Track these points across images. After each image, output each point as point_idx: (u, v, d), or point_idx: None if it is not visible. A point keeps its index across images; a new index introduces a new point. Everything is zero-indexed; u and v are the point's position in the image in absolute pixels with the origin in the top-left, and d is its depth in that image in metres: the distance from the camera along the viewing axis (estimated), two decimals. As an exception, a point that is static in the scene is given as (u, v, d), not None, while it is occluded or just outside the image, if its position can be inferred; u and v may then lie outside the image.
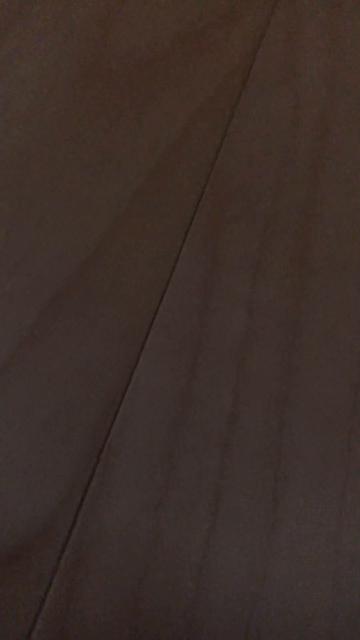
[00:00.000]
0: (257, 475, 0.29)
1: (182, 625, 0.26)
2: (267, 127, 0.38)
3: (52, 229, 0.33)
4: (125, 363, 0.30)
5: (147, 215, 0.33)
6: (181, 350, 0.31)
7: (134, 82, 0.38)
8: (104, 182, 0.34)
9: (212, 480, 0.29)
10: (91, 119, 0.36)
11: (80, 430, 0.29)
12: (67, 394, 0.30)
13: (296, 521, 0.28)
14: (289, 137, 0.37)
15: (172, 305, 0.32)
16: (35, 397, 0.29)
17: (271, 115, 0.38)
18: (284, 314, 0.32)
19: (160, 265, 0.32)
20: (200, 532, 0.28)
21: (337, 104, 0.38)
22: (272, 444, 0.29)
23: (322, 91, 0.38)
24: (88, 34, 0.41)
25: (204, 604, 0.26)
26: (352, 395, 0.31)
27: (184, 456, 0.29)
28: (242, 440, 0.29)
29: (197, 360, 0.31)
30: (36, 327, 0.30)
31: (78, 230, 0.33)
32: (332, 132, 0.37)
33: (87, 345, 0.30)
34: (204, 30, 0.40)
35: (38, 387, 0.29)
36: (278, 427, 0.30)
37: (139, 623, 0.26)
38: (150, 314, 0.31)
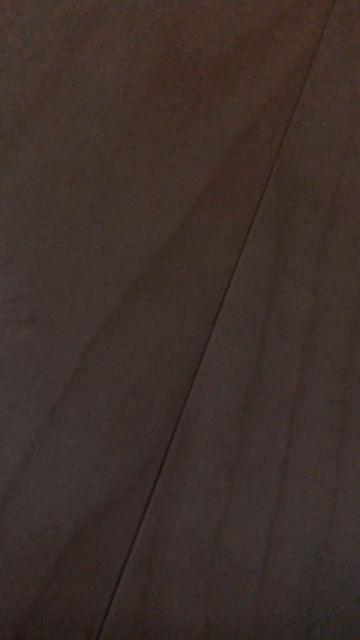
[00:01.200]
0: (323, 442, 0.31)
1: (255, 580, 0.28)
2: (328, 120, 0.40)
3: (132, 219, 0.36)
4: (199, 339, 0.33)
5: (219, 203, 0.36)
6: (250, 328, 0.34)
7: (202, 82, 0.41)
8: (179, 174, 0.37)
9: (281, 447, 0.31)
10: (165, 117, 0.39)
11: (160, 399, 0.32)
12: (148, 367, 0.33)
13: (358, 485, 0.30)
14: (349, 129, 0.39)
15: (241, 286, 0.34)
16: (121, 370, 0.32)
17: (332, 109, 0.40)
18: (348, 293, 0.34)
19: (231, 249, 0.35)
20: (271, 494, 0.30)
21: None
22: (336, 414, 0.31)
23: (382, 83, 0.40)
24: (159, 38, 0.44)
25: (275, 560, 0.29)
26: None
27: (254, 424, 0.32)
28: (308, 410, 0.32)
29: (266, 338, 0.33)
30: (120, 308, 0.33)
31: (156, 220, 0.36)
32: (392, 122, 0.39)
33: (166, 324, 0.33)
34: (267, 29, 0.43)
35: (123, 360, 0.32)
36: (342, 397, 0.32)
37: (216, 576, 0.28)
38: (221, 295, 0.34)
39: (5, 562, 0.28)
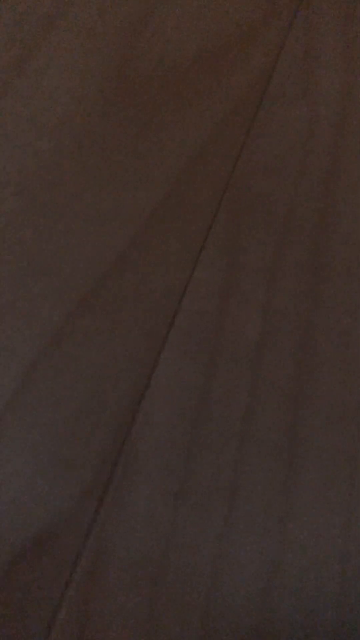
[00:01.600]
0: (271, 470, 0.31)
1: (200, 610, 0.27)
2: (284, 140, 0.39)
3: (80, 235, 0.34)
4: (147, 362, 0.32)
5: (170, 221, 0.35)
6: (199, 351, 0.33)
7: (158, 96, 0.40)
8: (130, 190, 0.36)
9: (228, 474, 0.30)
10: (118, 131, 0.38)
11: (103, 424, 0.31)
12: (91, 390, 0.31)
13: (308, 513, 0.30)
14: (305, 150, 0.39)
15: (190, 309, 0.34)
16: (62, 393, 0.31)
17: (288, 129, 0.40)
18: (298, 318, 0.33)
19: (181, 269, 0.34)
20: (217, 522, 0.29)
21: (352, 119, 0.40)
22: (286, 440, 0.31)
23: (338, 106, 0.40)
24: (115, 49, 0.43)
25: (221, 589, 0.28)
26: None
27: (202, 451, 0.31)
28: (257, 436, 0.31)
29: (215, 361, 0.33)
30: (63, 327, 0.32)
31: (104, 236, 0.34)
32: (347, 146, 0.39)
33: (111, 345, 0.32)
34: (226, 45, 0.42)
35: (64, 384, 0.31)
36: (292, 424, 0.31)
37: (158, 606, 0.27)
38: (169, 316, 0.33)
39: None
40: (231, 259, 0.35)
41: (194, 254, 0.35)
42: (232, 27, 0.43)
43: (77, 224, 0.35)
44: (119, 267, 0.34)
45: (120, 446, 0.30)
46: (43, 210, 0.35)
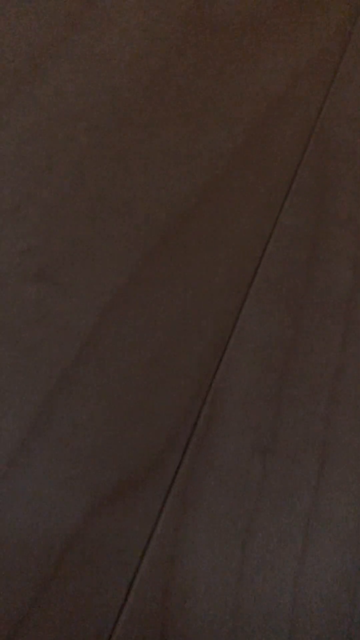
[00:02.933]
0: (364, 429, 0.28)
1: (291, 573, 0.25)
2: (370, 90, 0.37)
3: (156, 176, 0.32)
4: (230, 310, 0.30)
5: (251, 167, 0.33)
6: (286, 302, 0.30)
7: (237, 39, 0.38)
8: (208, 133, 0.33)
9: (319, 430, 0.28)
10: (195, 71, 0.36)
11: (185, 371, 0.29)
12: (172, 335, 0.29)
13: None
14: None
15: (276, 256, 0.31)
16: (142, 336, 0.29)
17: (373, 80, 0.38)
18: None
19: (264, 217, 0.32)
20: (308, 482, 0.27)
21: None
22: (385, 396, 0.29)
23: None
24: (182, 1, 0.41)
25: (312, 552, 0.26)
26: None
27: (290, 405, 0.29)
28: (348, 392, 0.29)
29: (303, 313, 0.30)
30: (142, 269, 0.29)
31: (183, 176, 0.32)
32: None
33: (192, 290, 0.30)
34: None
35: (144, 326, 0.29)
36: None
37: (245, 567, 0.25)
38: (255, 263, 0.31)
39: (3, 546, 0.24)
40: (318, 207, 0.33)
41: (280, 199, 0.32)
42: (314, -26, 0.41)
43: (153, 163, 0.33)
44: (201, 208, 0.31)
45: (204, 395, 0.28)
46: (117, 148, 0.33)
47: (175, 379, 0.28)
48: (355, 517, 0.27)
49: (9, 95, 0.33)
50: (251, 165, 0.33)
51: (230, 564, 0.25)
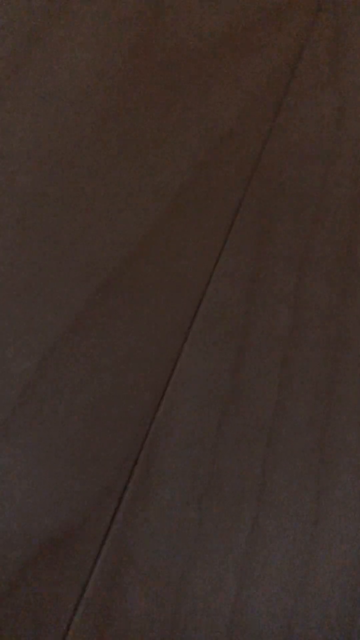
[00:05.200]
0: (301, 468, 0.29)
1: (226, 619, 0.25)
2: (312, 126, 0.38)
3: (102, 215, 0.32)
4: (171, 351, 0.30)
5: (195, 205, 0.33)
6: (226, 342, 0.31)
7: (182, 76, 0.38)
8: (155, 171, 0.34)
9: (257, 474, 0.29)
10: (141, 109, 0.36)
11: (124, 417, 0.29)
12: (111, 381, 0.29)
13: (339, 514, 0.28)
14: (333, 137, 0.37)
15: (216, 296, 0.32)
16: (82, 383, 0.29)
17: (316, 115, 0.38)
18: (329, 309, 0.32)
19: (207, 255, 0.32)
20: (244, 526, 0.27)
21: (384, 105, 0.38)
22: (315, 438, 0.29)
23: (369, 92, 0.38)
24: (138, 23, 0.41)
25: (247, 595, 0.26)
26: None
27: (228, 447, 0.29)
28: (287, 432, 0.29)
29: (243, 353, 0.31)
30: (85, 312, 0.30)
31: (128, 218, 0.32)
32: (378, 133, 0.37)
33: (134, 332, 0.30)
34: (251, 27, 0.40)
35: (85, 372, 0.29)
36: (321, 421, 0.29)
37: (181, 615, 0.25)
38: (195, 304, 0.31)
39: None
40: (258, 246, 0.33)
41: (221, 239, 0.33)
42: (259, 8, 0.42)
43: (98, 204, 0.33)
44: (143, 251, 0.32)
45: (142, 441, 0.28)
46: (62, 188, 0.33)
47: (114, 425, 0.29)
48: (291, 558, 0.27)
49: None
50: (195, 204, 0.34)
51: (165, 611, 0.26)
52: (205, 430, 0.29)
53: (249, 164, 0.35)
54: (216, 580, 0.26)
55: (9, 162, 0.33)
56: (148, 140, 0.35)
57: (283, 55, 0.41)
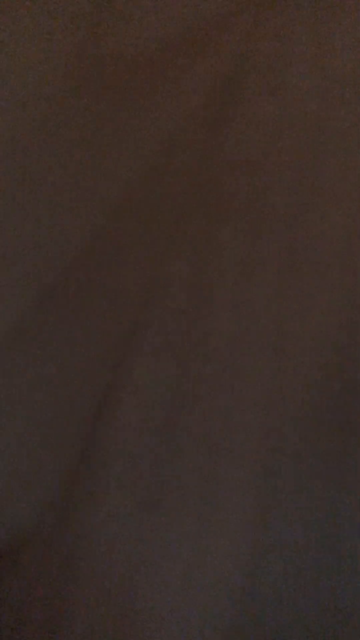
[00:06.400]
0: (244, 477, 0.29)
1: (172, 620, 0.25)
2: (255, 136, 0.38)
3: (41, 224, 0.32)
4: (115, 359, 0.30)
5: (138, 213, 0.33)
6: (170, 350, 0.31)
7: (123, 83, 0.38)
8: (98, 180, 0.34)
9: (199, 481, 0.29)
10: (81, 116, 0.36)
11: (65, 428, 0.29)
12: (52, 392, 0.29)
13: (283, 519, 0.28)
14: (275, 147, 0.38)
15: (161, 304, 0.32)
16: (23, 392, 0.28)
17: (259, 125, 0.39)
18: (272, 317, 0.32)
19: (151, 263, 0.32)
20: (189, 533, 0.28)
21: (323, 118, 0.39)
22: (262, 445, 0.29)
23: (308, 105, 0.39)
24: (75, 33, 0.41)
25: (193, 602, 0.26)
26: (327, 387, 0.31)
27: (171, 457, 0.29)
28: (230, 441, 0.30)
29: (187, 360, 0.31)
30: (26, 320, 0.29)
31: (69, 227, 0.32)
32: (318, 145, 0.38)
33: (76, 341, 0.30)
34: (193, 36, 0.41)
35: (26, 382, 0.29)
36: (266, 426, 0.30)
37: (128, 621, 0.25)
38: (139, 312, 0.31)
39: None
40: (201, 254, 0.33)
41: (164, 247, 0.33)
42: (201, 16, 0.42)
43: (38, 213, 0.33)
44: (86, 259, 0.32)
45: (84, 451, 0.28)
46: (3, 197, 0.33)
47: (57, 436, 0.28)
48: (232, 564, 0.27)
49: None
50: (138, 212, 0.34)
51: (109, 621, 0.26)
52: (147, 439, 0.29)
53: (192, 173, 0.36)
54: (162, 582, 0.26)
55: None
56: (89, 148, 0.35)
57: (225, 64, 0.41)
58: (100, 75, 0.38)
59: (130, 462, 0.28)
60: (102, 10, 0.40)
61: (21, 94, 0.36)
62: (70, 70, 0.38)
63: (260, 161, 0.37)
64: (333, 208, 0.36)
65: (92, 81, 0.38)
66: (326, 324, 0.33)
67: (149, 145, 0.36)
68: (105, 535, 0.27)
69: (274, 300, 0.33)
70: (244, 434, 0.30)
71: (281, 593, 0.27)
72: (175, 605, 0.26)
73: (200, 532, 0.28)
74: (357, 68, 0.40)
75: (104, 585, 0.26)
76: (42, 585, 0.25)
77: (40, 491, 0.27)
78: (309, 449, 0.30)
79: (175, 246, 0.34)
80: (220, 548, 0.28)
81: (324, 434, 0.30)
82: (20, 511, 0.26)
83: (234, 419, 0.30)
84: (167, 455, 0.29)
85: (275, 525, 0.28)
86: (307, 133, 0.39)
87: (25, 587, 0.25)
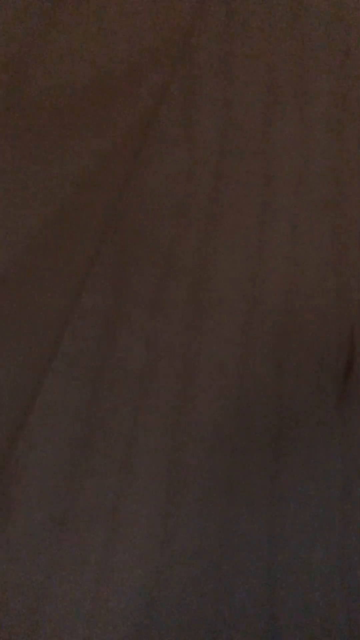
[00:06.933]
0: (152, 496, 0.31)
1: (82, 633, 0.27)
2: (166, 180, 0.41)
3: None
4: (29, 388, 0.32)
5: (56, 245, 0.35)
6: (84, 377, 0.33)
7: (45, 123, 0.40)
8: (15, 210, 0.35)
9: (111, 499, 0.31)
10: (4, 149, 0.38)
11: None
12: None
13: (186, 536, 0.31)
14: (184, 193, 0.41)
15: (75, 334, 0.34)
16: None
17: (169, 170, 0.42)
18: (180, 348, 0.35)
19: (65, 295, 0.34)
20: (100, 546, 0.29)
21: (230, 164, 0.43)
22: (166, 466, 0.32)
23: (216, 152, 0.43)
24: (2, 74, 0.42)
25: (104, 611, 0.28)
26: (228, 409, 0.35)
27: (84, 477, 0.31)
28: (139, 462, 0.32)
29: (100, 388, 0.33)
30: None
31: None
32: (224, 191, 0.42)
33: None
34: (112, 81, 0.44)
35: None
36: (172, 453, 0.32)
37: (38, 637, 0.27)
38: (53, 342, 0.33)
39: None
40: (117, 288, 0.36)
41: (80, 280, 0.35)
42: (119, 62, 0.45)
43: None
44: (2, 285, 0.33)
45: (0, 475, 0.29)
46: None
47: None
48: (142, 578, 0.29)
49: None
50: (51, 246, 0.36)
51: (21, 632, 0.27)
52: (62, 461, 0.31)
53: (106, 211, 0.38)
54: (74, 592, 0.28)
55: None
56: (6, 181, 0.37)
57: (141, 111, 0.44)
58: (25, 113, 0.40)
59: (45, 482, 0.30)
60: (30, 50, 0.42)
61: None
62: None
63: (173, 206, 0.40)
64: (237, 253, 0.40)
65: (17, 118, 0.40)
66: (227, 355, 0.36)
67: (70, 177, 0.38)
68: (14, 552, 0.28)
69: (182, 333, 0.36)
70: (152, 452, 0.32)
71: (180, 601, 0.29)
72: (86, 614, 0.28)
73: (108, 544, 0.30)
74: (259, 123, 0.45)
75: (14, 601, 0.27)
76: None
77: None
78: (212, 465, 0.33)
79: (92, 277, 0.36)
80: (126, 563, 0.30)
81: (227, 452, 0.33)
82: None
83: (140, 439, 0.33)
84: (80, 477, 0.31)
85: (178, 537, 0.31)
86: (214, 181, 0.43)
87: None
